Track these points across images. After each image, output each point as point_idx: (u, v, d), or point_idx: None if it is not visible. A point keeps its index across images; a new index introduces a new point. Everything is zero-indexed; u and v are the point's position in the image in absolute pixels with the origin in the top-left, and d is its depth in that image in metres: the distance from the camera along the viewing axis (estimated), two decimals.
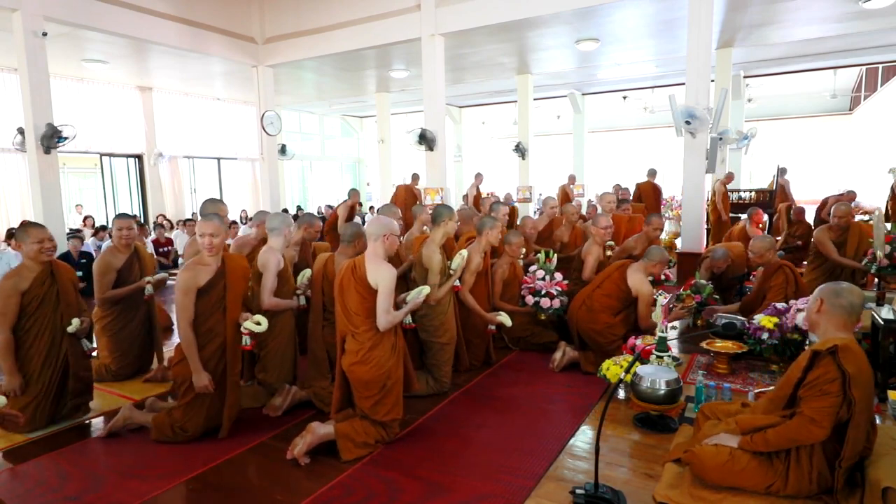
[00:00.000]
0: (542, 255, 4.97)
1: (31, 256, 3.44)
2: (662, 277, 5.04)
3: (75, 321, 3.56)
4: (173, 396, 3.96)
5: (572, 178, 12.31)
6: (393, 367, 3.15)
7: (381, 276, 3.05)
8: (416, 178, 10.66)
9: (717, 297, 5.38)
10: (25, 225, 3.61)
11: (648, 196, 10.02)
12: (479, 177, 11.79)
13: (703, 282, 5.33)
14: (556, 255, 5.07)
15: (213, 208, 4.10)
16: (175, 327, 6.03)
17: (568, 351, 4.38)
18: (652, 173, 10.44)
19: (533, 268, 4.88)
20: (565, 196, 11.37)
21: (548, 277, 4.77)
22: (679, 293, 5.13)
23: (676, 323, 5.34)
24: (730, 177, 10.39)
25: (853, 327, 2.38)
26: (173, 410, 3.29)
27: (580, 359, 4.32)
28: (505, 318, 4.23)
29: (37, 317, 3.44)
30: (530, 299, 4.73)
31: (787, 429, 2.25)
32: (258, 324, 3.30)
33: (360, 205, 13.22)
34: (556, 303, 4.66)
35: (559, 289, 4.72)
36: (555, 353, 4.43)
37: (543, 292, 4.69)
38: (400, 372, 3.22)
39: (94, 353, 3.90)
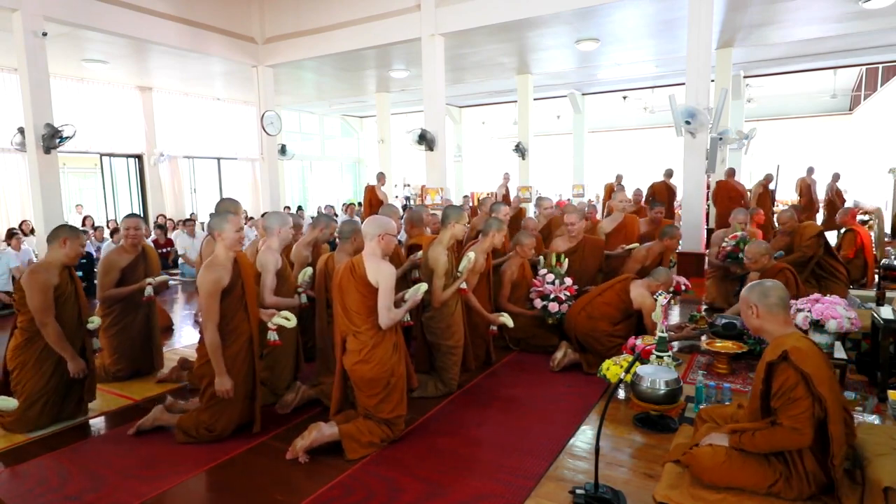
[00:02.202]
0: (552, 258, 4.97)
1: (70, 257, 3.54)
2: (683, 287, 5.03)
3: (96, 319, 3.72)
4: (191, 394, 3.97)
5: (619, 178, 11.73)
6: (395, 364, 3.16)
7: (381, 274, 3.05)
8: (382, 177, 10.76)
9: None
10: (75, 228, 3.69)
11: (662, 197, 9.75)
12: (507, 176, 11.71)
13: (744, 233, 5.36)
14: (566, 259, 5.07)
15: (233, 206, 4.08)
16: (173, 326, 6.04)
17: (569, 352, 4.38)
18: (668, 173, 10.21)
19: (542, 271, 4.88)
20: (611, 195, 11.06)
21: (557, 282, 4.76)
22: (693, 314, 5.13)
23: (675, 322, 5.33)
24: (769, 178, 10.26)
25: (791, 319, 2.43)
26: (200, 413, 3.24)
27: (581, 360, 4.32)
28: (507, 319, 4.22)
29: (60, 313, 3.49)
30: (539, 303, 4.72)
31: (772, 436, 2.27)
32: (288, 319, 3.34)
33: (358, 205, 13.29)
34: (565, 307, 4.65)
35: (568, 293, 4.71)
36: (555, 352, 4.42)
37: (553, 297, 4.69)
38: (402, 369, 3.23)
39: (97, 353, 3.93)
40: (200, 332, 3.29)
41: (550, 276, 4.78)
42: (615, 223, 6.15)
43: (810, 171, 10.68)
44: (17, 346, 3.48)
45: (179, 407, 3.52)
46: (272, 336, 3.39)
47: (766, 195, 10.19)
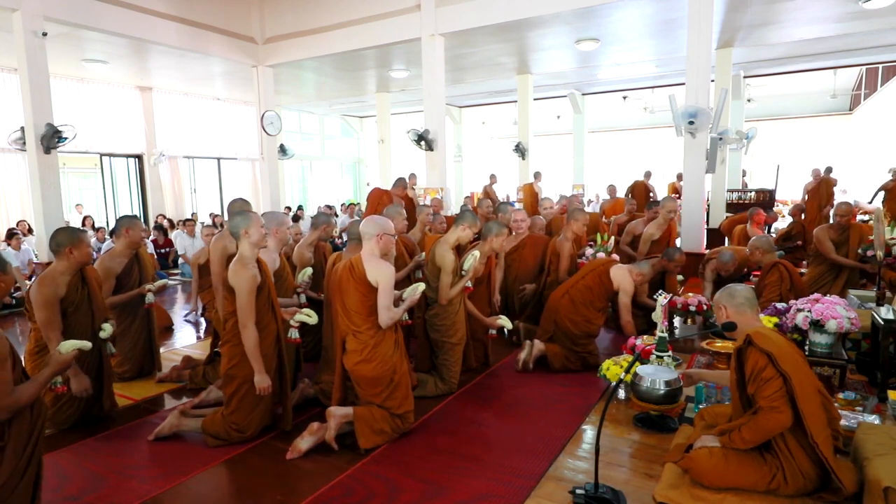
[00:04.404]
0: (597, 237, 5.09)
1: (81, 262, 3.41)
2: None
3: (108, 327, 3.57)
4: (191, 393, 3.98)
5: (681, 176, 11.55)
6: (398, 361, 3.18)
7: (380, 273, 3.06)
8: (494, 178, 10.88)
9: None
10: (78, 231, 3.53)
11: (640, 195, 10.57)
12: (539, 175, 11.73)
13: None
14: (612, 238, 5.22)
15: (246, 207, 4.06)
16: (173, 326, 6.05)
17: (536, 344, 4.38)
18: (647, 175, 11.44)
19: (590, 251, 4.96)
20: (675, 193, 11.40)
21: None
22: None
23: (677, 322, 5.33)
24: (816, 172, 10.25)
25: (759, 315, 2.60)
26: (230, 415, 3.19)
27: (546, 353, 4.34)
28: (505, 322, 4.21)
29: (72, 322, 3.40)
30: None
31: (756, 422, 2.32)
32: (309, 316, 3.36)
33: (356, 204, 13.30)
34: None
35: None
36: (519, 353, 4.43)
37: None
38: (405, 365, 3.25)
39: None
40: (225, 337, 3.20)
41: (601, 255, 4.85)
42: (661, 230, 5.94)
43: (828, 170, 10.62)
44: (30, 351, 3.48)
45: (195, 412, 3.46)
46: (293, 333, 3.40)
47: (816, 190, 10.18)
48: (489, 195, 11.57)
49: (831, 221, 5.73)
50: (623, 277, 4.42)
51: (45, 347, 3.40)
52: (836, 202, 7.90)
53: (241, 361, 3.14)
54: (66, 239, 3.37)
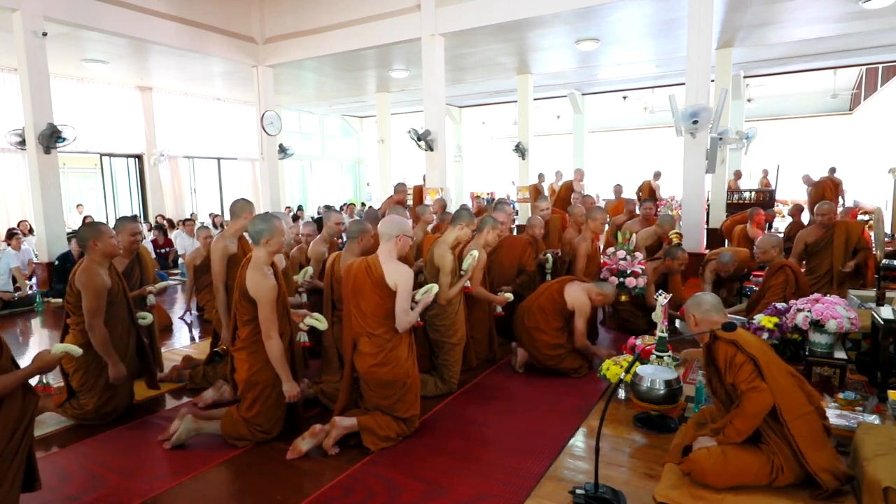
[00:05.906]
0: (620, 235, 5.10)
1: (108, 253, 3.48)
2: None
3: (148, 315, 3.75)
4: (191, 393, 3.99)
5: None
6: (411, 365, 3.18)
7: (400, 276, 3.03)
8: (542, 176, 11.43)
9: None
10: (97, 224, 3.61)
11: (645, 195, 10.72)
12: (559, 174, 11.84)
13: None
14: (633, 235, 5.24)
15: (249, 207, 4.05)
16: (173, 326, 6.05)
17: (521, 352, 4.36)
18: (656, 175, 11.65)
19: (611, 249, 4.96)
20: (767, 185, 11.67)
21: (629, 258, 4.81)
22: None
23: (678, 322, 5.33)
24: (807, 178, 10.34)
25: (726, 316, 2.71)
26: (253, 417, 3.17)
27: (530, 359, 4.34)
28: (510, 295, 4.30)
29: (114, 313, 3.50)
30: (613, 280, 4.78)
31: (743, 409, 2.40)
32: (319, 321, 3.38)
33: (362, 205, 13.27)
34: (641, 281, 4.76)
35: (642, 268, 4.83)
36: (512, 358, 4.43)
37: (629, 272, 4.77)
38: (416, 369, 3.25)
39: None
40: (241, 343, 3.17)
41: (622, 253, 4.84)
42: (650, 240, 5.92)
43: (832, 170, 10.58)
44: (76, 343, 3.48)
45: (205, 413, 3.45)
46: (302, 337, 3.41)
47: (814, 187, 10.19)
48: (539, 193, 11.41)
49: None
50: (577, 297, 4.15)
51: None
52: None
53: (262, 367, 3.12)
54: (87, 232, 3.50)
